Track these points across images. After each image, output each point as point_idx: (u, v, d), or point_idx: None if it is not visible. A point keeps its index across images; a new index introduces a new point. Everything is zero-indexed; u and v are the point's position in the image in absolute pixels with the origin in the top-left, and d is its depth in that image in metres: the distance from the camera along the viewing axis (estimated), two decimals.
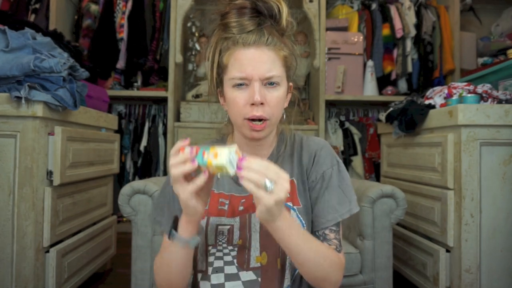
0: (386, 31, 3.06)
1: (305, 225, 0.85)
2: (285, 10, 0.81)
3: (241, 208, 0.86)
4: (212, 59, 0.85)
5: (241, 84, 0.79)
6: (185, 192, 0.69)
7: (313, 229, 0.86)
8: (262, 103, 0.78)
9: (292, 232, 0.72)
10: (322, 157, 0.88)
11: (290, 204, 0.85)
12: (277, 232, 0.71)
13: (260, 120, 0.80)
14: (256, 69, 0.78)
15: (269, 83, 0.79)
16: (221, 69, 0.83)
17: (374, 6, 3.14)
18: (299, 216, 0.85)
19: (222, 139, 0.96)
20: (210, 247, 0.84)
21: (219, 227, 0.84)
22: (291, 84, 0.88)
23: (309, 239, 0.77)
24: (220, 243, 0.84)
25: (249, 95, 0.78)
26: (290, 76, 0.86)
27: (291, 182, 0.88)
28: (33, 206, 1.42)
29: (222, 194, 0.88)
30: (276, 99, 0.80)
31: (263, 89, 0.79)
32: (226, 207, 0.86)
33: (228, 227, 0.84)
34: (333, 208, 0.84)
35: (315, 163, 0.88)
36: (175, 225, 0.78)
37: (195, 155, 0.67)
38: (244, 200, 0.87)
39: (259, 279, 0.82)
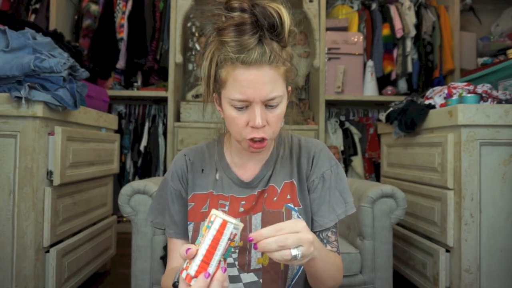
0: (386, 31, 3.06)
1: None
2: (286, 19, 0.75)
3: (241, 209, 0.85)
4: (208, 71, 0.80)
5: (240, 107, 0.76)
6: None
7: (314, 229, 0.87)
8: (263, 126, 0.76)
9: (321, 261, 0.72)
10: (321, 159, 0.89)
11: (291, 205, 0.85)
12: (308, 267, 0.73)
13: (260, 138, 0.78)
14: (257, 91, 0.73)
15: (270, 104, 0.76)
16: (219, 84, 0.79)
17: (374, 6, 3.15)
18: (300, 216, 0.85)
19: (219, 139, 0.95)
20: None
21: None
22: (289, 88, 0.84)
23: (328, 256, 0.77)
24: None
25: (249, 117, 0.75)
26: (290, 84, 0.83)
27: (291, 184, 0.88)
28: (33, 206, 1.42)
29: (221, 195, 0.88)
30: (278, 117, 0.78)
31: (264, 110, 0.76)
32: (226, 209, 0.86)
33: None
34: (332, 208, 0.87)
35: (314, 165, 0.89)
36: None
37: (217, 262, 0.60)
38: (244, 202, 0.86)
39: (260, 280, 0.82)
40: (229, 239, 0.61)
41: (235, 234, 0.62)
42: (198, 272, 0.60)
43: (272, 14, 0.73)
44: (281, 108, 0.78)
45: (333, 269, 0.78)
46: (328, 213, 0.86)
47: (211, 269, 0.60)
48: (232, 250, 0.61)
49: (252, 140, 0.78)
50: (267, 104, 0.76)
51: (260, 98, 0.74)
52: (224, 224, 0.60)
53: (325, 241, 0.86)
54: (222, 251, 0.60)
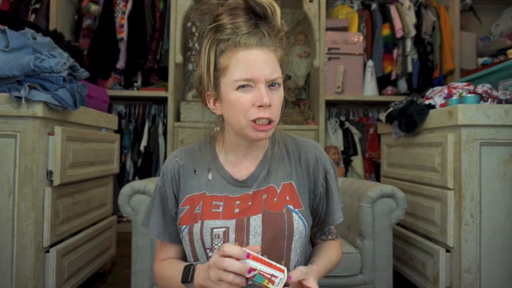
0: (386, 31, 3.06)
1: (307, 226, 0.86)
2: (278, 10, 0.81)
3: (237, 210, 0.84)
4: (208, 62, 0.82)
5: (244, 86, 0.78)
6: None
7: (326, 226, 0.95)
8: (269, 105, 0.78)
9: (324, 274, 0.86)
10: (323, 159, 0.93)
11: (291, 206, 0.85)
12: None
13: (267, 120, 0.79)
14: (261, 70, 0.78)
15: (272, 84, 0.80)
16: (219, 72, 0.81)
17: (374, 6, 3.14)
18: (302, 217, 0.85)
19: (211, 140, 0.94)
20: (207, 251, 0.83)
21: (214, 230, 0.82)
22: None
23: (331, 264, 0.90)
24: (216, 246, 0.82)
25: (255, 97, 0.78)
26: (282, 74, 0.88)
27: (290, 185, 0.88)
28: (33, 206, 1.42)
29: (215, 196, 0.86)
30: (279, 100, 0.81)
31: (268, 91, 0.79)
32: (220, 209, 0.84)
33: (223, 229, 0.82)
34: (339, 204, 0.94)
35: (319, 165, 0.91)
36: (188, 273, 0.79)
37: (254, 275, 0.70)
38: (239, 201, 0.85)
39: None
40: (270, 274, 0.70)
41: (277, 281, 0.71)
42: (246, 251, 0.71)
43: (265, 7, 0.79)
44: (281, 93, 0.82)
45: (334, 266, 0.92)
46: (337, 210, 0.93)
47: (251, 263, 0.69)
48: (261, 284, 0.71)
49: (257, 122, 0.79)
50: (270, 85, 0.80)
51: (265, 77, 0.78)
52: (281, 270, 0.72)
53: (327, 233, 0.96)
54: (261, 268, 0.70)
